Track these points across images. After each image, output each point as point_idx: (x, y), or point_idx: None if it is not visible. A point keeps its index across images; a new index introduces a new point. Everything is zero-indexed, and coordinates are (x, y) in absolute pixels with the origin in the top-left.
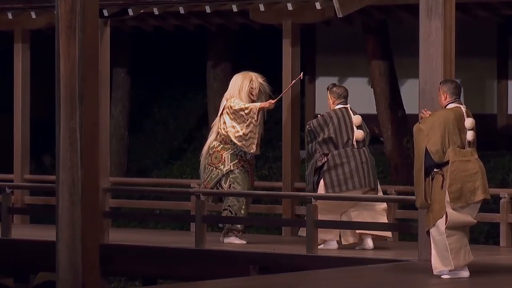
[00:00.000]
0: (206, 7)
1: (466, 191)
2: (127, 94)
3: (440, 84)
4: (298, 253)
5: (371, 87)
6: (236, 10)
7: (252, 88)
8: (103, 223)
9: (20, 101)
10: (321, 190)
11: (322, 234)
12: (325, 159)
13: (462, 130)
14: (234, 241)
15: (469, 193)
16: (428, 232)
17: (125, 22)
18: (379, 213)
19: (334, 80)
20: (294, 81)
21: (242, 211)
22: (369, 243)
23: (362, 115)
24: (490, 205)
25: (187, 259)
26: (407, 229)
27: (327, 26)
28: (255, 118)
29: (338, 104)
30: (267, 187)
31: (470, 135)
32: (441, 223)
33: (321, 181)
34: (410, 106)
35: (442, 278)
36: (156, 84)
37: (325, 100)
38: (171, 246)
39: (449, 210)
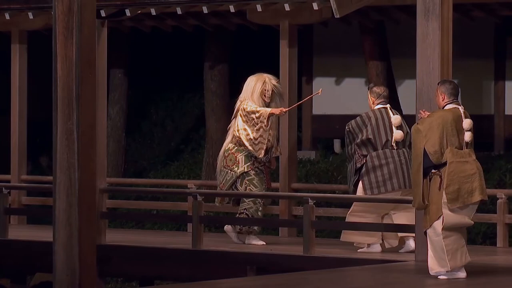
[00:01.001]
0: (203, 7)
1: (463, 192)
2: (125, 95)
3: (438, 84)
4: (295, 253)
5: (368, 88)
6: (234, 11)
7: (265, 90)
8: (100, 223)
9: (17, 102)
10: (359, 192)
11: (365, 237)
12: (364, 161)
13: (460, 131)
14: (256, 242)
15: (467, 194)
16: (425, 233)
17: (122, 23)
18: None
19: (331, 81)
20: (312, 95)
21: (260, 213)
22: (412, 244)
23: (357, 116)
24: (487, 205)
25: (184, 259)
26: (404, 230)
27: (324, 26)
28: (265, 123)
29: (377, 104)
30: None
31: (468, 136)
32: (438, 224)
33: (360, 183)
34: (407, 107)
35: (439, 278)
36: (153, 85)
37: (322, 100)
38: (168, 246)
39: (445, 211)
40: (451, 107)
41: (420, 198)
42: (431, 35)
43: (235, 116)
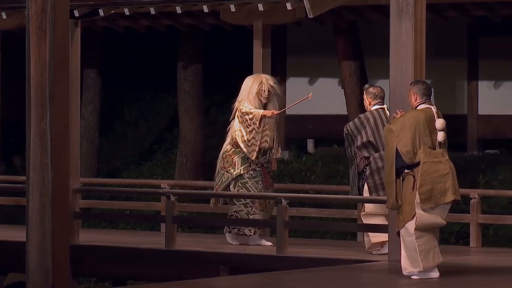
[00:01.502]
0: (177, 7)
1: (436, 192)
2: (98, 95)
3: (410, 85)
4: (269, 253)
5: (342, 88)
6: (207, 11)
7: (262, 90)
8: (73, 224)
9: None
10: (366, 194)
11: (381, 237)
12: (367, 162)
13: (432, 131)
14: (259, 243)
15: (439, 194)
16: (398, 233)
17: (95, 23)
18: None
19: (305, 81)
20: (301, 99)
21: (251, 216)
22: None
23: (332, 116)
24: (460, 205)
25: (157, 259)
26: (377, 230)
27: (298, 26)
28: (257, 124)
29: (374, 105)
30: None
31: (440, 136)
32: (411, 224)
33: (365, 186)
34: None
35: (412, 278)
36: (127, 85)
37: (295, 99)
38: (141, 246)
39: (418, 211)
40: (424, 107)
41: (394, 198)
42: (405, 35)
43: (233, 118)
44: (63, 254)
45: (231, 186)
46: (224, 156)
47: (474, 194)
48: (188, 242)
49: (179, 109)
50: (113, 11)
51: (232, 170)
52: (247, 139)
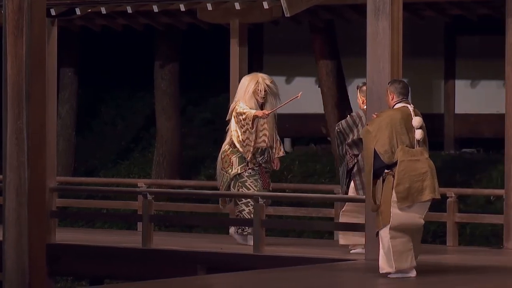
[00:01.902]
0: (153, 6)
1: (413, 191)
2: (75, 94)
3: (388, 84)
4: (245, 252)
5: (319, 87)
6: (184, 10)
7: (258, 90)
8: (50, 223)
9: None
10: (351, 192)
11: (361, 238)
12: (355, 160)
13: (410, 129)
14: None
15: (417, 193)
16: (377, 234)
17: (72, 22)
18: None
19: (282, 79)
20: (291, 99)
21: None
22: None
23: (309, 115)
24: (438, 204)
25: (134, 258)
26: (354, 229)
27: (275, 25)
28: (250, 125)
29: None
30: (215, 186)
31: (418, 134)
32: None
33: (351, 183)
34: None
35: (389, 277)
36: (103, 84)
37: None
38: (118, 245)
39: (394, 210)
40: (400, 106)
41: (372, 199)
42: (381, 34)
43: (230, 118)
44: (40, 253)
45: (231, 186)
46: (222, 156)
47: (451, 193)
48: (165, 241)
49: (156, 108)
50: (89, 10)
51: (230, 170)
52: (242, 139)
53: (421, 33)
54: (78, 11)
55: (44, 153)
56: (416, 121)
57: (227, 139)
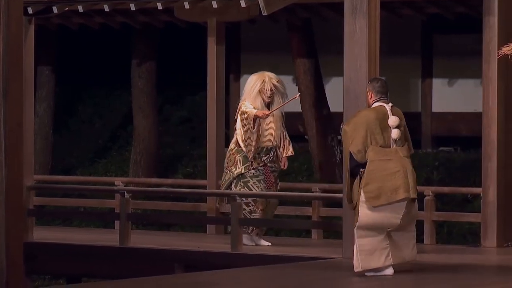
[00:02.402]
0: (131, 4)
1: (386, 190)
2: (52, 92)
3: (368, 83)
4: (223, 251)
5: (296, 85)
6: (161, 8)
7: (264, 89)
8: (27, 221)
9: None
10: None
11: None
12: None
13: (385, 129)
14: (264, 243)
15: (390, 192)
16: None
17: (49, 20)
18: None
19: None
20: (290, 99)
21: (255, 215)
22: None
23: (287, 114)
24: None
25: (112, 257)
26: (331, 227)
27: (252, 24)
28: (251, 124)
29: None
30: (192, 185)
31: (394, 134)
32: None
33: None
34: (334, 104)
35: (366, 276)
36: (81, 82)
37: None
38: (96, 244)
39: (362, 210)
40: (377, 105)
41: (349, 198)
42: (359, 33)
43: (237, 116)
44: (17, 252)
45: (233, 185)
46: (228, 155)
47: (428, 191)
48: (142, 240)
49: (133, 107)
50: (67, 8)
51: (234, 169)
52: (244, 138)
53: (399, 32)
54: (55, 9)
55: (21, 151)
56: (392, 120)
57: (234, 138)
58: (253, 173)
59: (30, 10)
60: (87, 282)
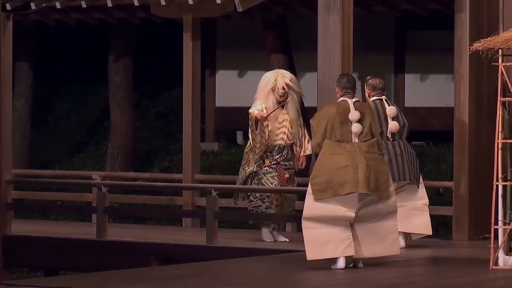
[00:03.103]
0: (108, 1)
1: (334, 184)
2: (30, 88)
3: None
4: (199, 243)
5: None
6: (138, 4)
7: (276, 88)
8: (5, 214)
9: None
10: None
11: None
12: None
13: (344, 123)
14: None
15: (337, 186)
16: None
17: (27, 16)
18: (419, 208)
19: (234, 73)
20: (273, 109)
21: (271, 211)
22: (401, 241)
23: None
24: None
25: (89, 250)
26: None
27: (227, 20)
28: (254, 126)
29: (373, 96)
30: (168, 179)
31: (354, 128)
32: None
33: None
34: (308, 99)
35: (339, 268)
36: (58, 78)
37: (225, 93)
38: (73, 237)
39: (308, 202)
40: (341, 100)
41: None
42: (332, 29)
43: None
44: None
45: (248, 183)
46: (244, 153)
47: None
48: (119, 233)
49: (110, 102)
50: (44, 5)
51: (247, 168)
52: (252, 138)
53: (372, 28)
54: (33, 6)
55: None
56: (352, 115)
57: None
58: (266, 170)
59: (8, 7)
60: (65, 275)
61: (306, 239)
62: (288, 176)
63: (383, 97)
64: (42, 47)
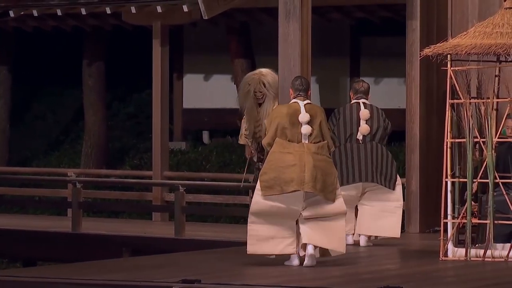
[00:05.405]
0: (81, 9)
1: (281, 181)
2: (9, 90)
3: None
4: (167, 236)
5: (234, 84)
6: (110, 12)
7: (251, 92)
8: None
9: None
10: None
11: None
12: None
13: (294, 124)
14: None
15: (284, 183)
16: None
17: (6, 23)
18: (390, 210)
19: (200, 77)
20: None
21: None
22: (362, 241)
23: (225, 110)
24: None
25: (65, 242)
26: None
27: (194, 27)
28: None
29: (354, 99)
30: (139, 175)
31: (304, 129)
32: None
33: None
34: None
35: (286, 264)
36: (36, 81)
37: (192, 95)
38: (50, 230)
39: (256, 198)
40: (292, 101)
41: None
42: (292, 35)
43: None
44: None
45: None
46: (249, 159)
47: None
48: (93, 226)
49: (84, 103)
50: (22, 12)
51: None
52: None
53: (329, 34)
54: (11, 13)
55: None
56: (301, 117)
57: None
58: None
59: None
60: (42, 266)
61: (249, 233)
62: None
63: (361, 100)
64: (20, 52)
